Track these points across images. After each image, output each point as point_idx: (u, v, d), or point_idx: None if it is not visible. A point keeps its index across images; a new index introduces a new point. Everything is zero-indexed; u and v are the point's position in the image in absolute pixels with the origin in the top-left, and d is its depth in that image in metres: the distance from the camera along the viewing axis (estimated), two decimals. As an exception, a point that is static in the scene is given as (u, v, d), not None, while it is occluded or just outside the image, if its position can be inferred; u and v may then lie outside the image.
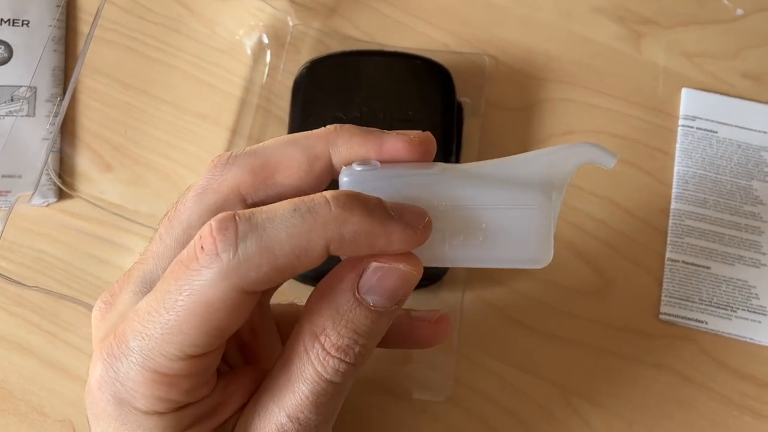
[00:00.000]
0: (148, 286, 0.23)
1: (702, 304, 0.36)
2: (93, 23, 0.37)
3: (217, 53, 0.41)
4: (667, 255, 0.37)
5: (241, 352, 0.26)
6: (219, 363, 0.23)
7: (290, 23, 0.41)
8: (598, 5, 0.42)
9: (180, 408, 0.22)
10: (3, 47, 0.40)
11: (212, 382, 0.23)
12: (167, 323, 0.20)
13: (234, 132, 0.39)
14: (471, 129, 0.39)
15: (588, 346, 0.36)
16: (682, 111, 0.40)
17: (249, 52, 0.41)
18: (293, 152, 0.23)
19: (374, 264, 0.21)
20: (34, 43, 0.40)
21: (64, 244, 0.37)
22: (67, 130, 0.39)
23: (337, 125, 0.23)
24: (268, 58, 0.40)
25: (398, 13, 0.42)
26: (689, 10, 0.42)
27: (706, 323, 0.36)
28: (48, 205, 0.38)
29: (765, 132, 0.39)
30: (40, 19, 0.40)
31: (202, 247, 0.19)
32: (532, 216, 0.22)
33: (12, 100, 0.39)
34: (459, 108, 0.38)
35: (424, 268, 0.22)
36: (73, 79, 0.37)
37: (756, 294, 0.36)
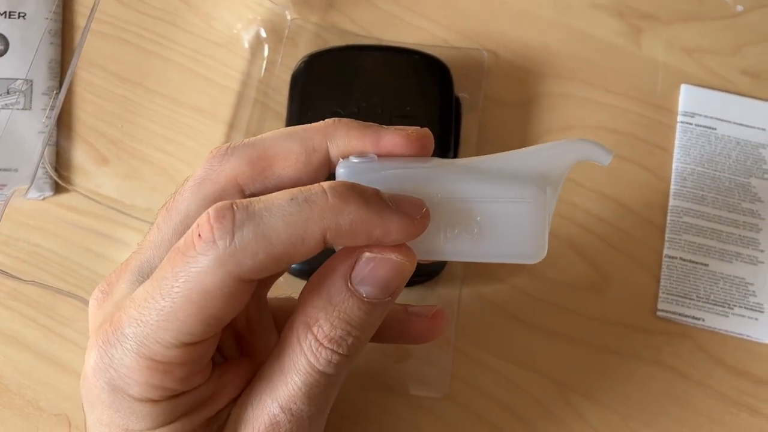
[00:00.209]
0: (145, 275, 0.23)
1: (699, 301, 0.36)
2: (90, 16, 0.37)
3: (215, 47, 0.40)
4: (665, 252, 0.37)
5: (237, 344, 0.26)
6: (214, 353, 0.23)
7: (288, 17, 0.41)
8: (598, 0, 0.42)
9: (174, 396, 0.22)
10: (-1, 40, 0.40)
11: (207, 371, 0.23)
12: (163, 310, 0.20)
13: (231, 126, 0.39)
14: (469, 124, 0.39)
15: (585, 342, 0.36)
16: (681, 107, 0.40)
17: (247, 45, 0.40)
18: (291, 144, 0.23)
19: (366, 254, 0.21)
20: (30, 35, 0.40)
21: (61, 238, 0.37)
22: (63, 124, 0.39)
23: (336, 119, 0.24)
24: (265, 52, 0.40)
25: (396, 7, 0.42)
26: (689, 6, 0.42)
27: (703, 320, 0.36)
28: (44, 198, 0.38)
29: (764, 129, 0.39)
30: (37, 11, 0.40)
31: (199, 235, 0.19)
32: (527, 210, 0.22)
33: (8, 92, 0.39)
34: (457, 103, 0.38)
35: (422, 264, 0.22)
36: (69, 72, 0.37)
37: (753, 291, 0.36)
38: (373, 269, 0.21)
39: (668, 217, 0.38)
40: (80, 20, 0.41)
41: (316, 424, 0.23)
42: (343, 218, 0.20)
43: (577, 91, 0.40)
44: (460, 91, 0.38)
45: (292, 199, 0.20)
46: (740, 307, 0.36)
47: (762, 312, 0.36)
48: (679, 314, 0.36)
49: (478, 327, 0.36)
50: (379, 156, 0.23)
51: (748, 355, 0.36)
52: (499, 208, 0.22)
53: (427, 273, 0.35)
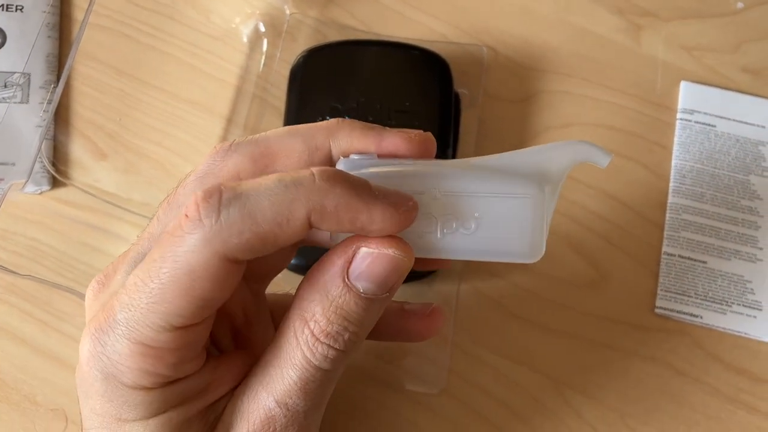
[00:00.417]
0: None
1: (697, 298, 0.36)
2: (87, 9, 0.37)
3: (213, 41, 0.40)
4: (664, 249, 0.37)
5: (234, 339, 0.26)
6: (207, 341, 0.23)
7: (287, 12, 0.41)
8: (598, -3, 0.42)
9: (167, 384, 0.21)
10: (-4, 33, 0.39)
11: (200, 359, 0.22)
12: (152, 292, 0.20)
13: (229, 121, 0.39)
14: (468, 120, 0.39)
15: (582, 338, 0.36)
16: (680, 104, 0.40)
17: (245, 40, 0.40)
18: (294, 142, 0.23)
19: (363, 249, 0.21)
20: (28, 28, 0.40)
21: (58, 232, 0.37)
22: (60, 118, 0.39)
23: (340, 119, 0.24)
24: (264, 47, 0.40)
25: (396, 2, 0.41)
26: (689, 3, 0.42)
27: (701, 317, 0.36)
28: (41, 193, 0.37)
29: (763, 126, 0.39)
30: (34, 4, 0.40)
31: (186, 215, 0.20)
32: (525, 205, 0.22)
33: (5, 86, 0.38)
34: (456, 99, 0.38)
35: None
36: (67, 66, 0.37)
37: (751, 289, 0.36)
38: (371, 265, 0.21)
39: (667, 215, 0.38)
40: (78, 13, 0.41)
41: (311, 419, 0.23)
42: (329, 200, 0.20)
43: (577, 88, 0.40)
44: (460, 87, 0.38)
45: (279, 180, 0.20)
46: (738, 304, 0.36)
47: (760, 310, 0.36)
48: (677, 311, 0.36)
49: (475, 323, 0.36)
50: (380, 156, 0.23)
51: (745, 352, 0.36)
52: (497, 204, 0.22)
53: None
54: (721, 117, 0.39)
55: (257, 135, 0.23)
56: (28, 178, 0.35)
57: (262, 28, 0.40)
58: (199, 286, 0.20)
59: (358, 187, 0.21)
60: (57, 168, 0.37)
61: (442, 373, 0.35)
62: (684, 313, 0.36)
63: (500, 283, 0.36)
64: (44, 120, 0.37)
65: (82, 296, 0.33)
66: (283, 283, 0.33)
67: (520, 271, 0.37)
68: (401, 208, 0.21)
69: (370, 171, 0.22)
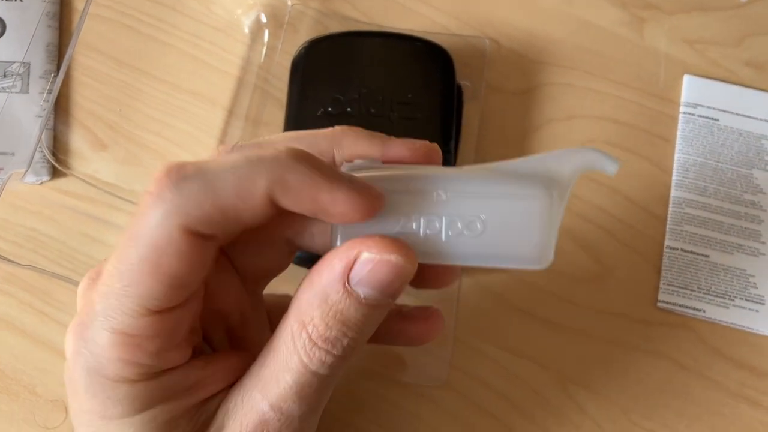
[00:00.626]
0: None
1: (700, 292, 0.36)
2: (88, -1, 0.37)
3: (214, 32, 0.40)
4: (666, 243, 0.37)
5: (229, 339, 0.25)
6: (203, 344, 0.22)
7: (289, 3, 0.40)
8: (601, -10, 0.42)
9: (151, 377, 0.21)
10: (-4, 22, 0.39)
11: (184, 351, 0.22)
12: (122, 274, 0.20)
13: (230, 112, 0.39)
14: (471, 112, 0.38)
15: (585, 332, 0.35)
16: (683, 98, 0.39)
17: (247, 31, 0.40)
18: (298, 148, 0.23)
19: (365, 254, 0.21)
20: (27, 18, 0.39)
21: (58, 222, 0.36)
22: (60, 108, 0.38)
23: (344, 126, 0.24)
24: (266, 38, 0.40)
25: (399, -6, 0.41)
26: (693, -4, 0.42)
27: (704, 312, 0.36)
28: (41, 183, 0.37)
29: (767, 120, 0.39)
30: (34, -6, 0.40)
31: (150, 192, 0.20)
32: (533, 208, 0.22)
33: (5, 76, 0.38)
34: (459, 91, 0.38)
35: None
36: (67, 56, 0.36)
37: (754, 283, 0.36)
38: (372, 270, 0.21)
39: (670, 208, 0.37)
40: (78, 3, 0.41)
41: (307, 424, 0.22)
42: (292, 175, 0.20)
43: (579, 81, 0.40)
44: (462, 79, 0.38)
45: (245, 156, 0.20)
46: (741, 298, 0.36)
47: (763, 304, 0.36)
48: (680, 305, 0.36)
49: (477, 317, 0.35)
50: (384, 163, 0.23)
51: (748, 347, 0.35)
52: (503, 205, 0.22)
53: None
54: (725, 111, 0.39)
55: (261, 138, 0.23)
56: (28, 168, 0.35)
57: (264, 19, 0.40)
58: (166, 263, 0.19)
59: (324, 167, 0.21)
60: (57, 158, 0.37)
61: (443, 366, 0.34)
62: (687, 307, 0.36)
63: (502, 276, 0.36)
64: (44, 110, 0.37)
65: (81, 286, 0.33)
66: (282, 280, 0.33)
67: (522, 264, 0.36)
68: (365, 194, 0.21)
69: (374, 173, 0.22)
